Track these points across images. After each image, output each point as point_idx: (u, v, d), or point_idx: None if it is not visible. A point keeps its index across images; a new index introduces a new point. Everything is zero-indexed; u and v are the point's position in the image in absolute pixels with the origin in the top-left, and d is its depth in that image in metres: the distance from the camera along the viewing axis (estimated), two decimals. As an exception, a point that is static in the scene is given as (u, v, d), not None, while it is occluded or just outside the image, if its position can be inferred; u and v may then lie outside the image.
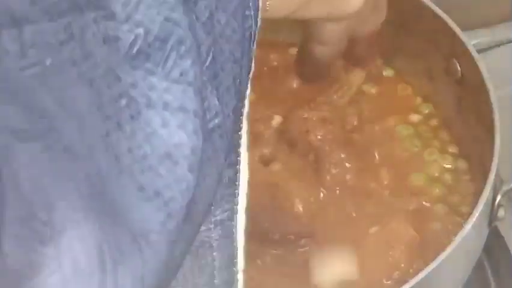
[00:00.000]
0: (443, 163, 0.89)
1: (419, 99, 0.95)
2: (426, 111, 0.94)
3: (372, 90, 0.97)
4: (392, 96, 0.96)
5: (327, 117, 0.92)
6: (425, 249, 0.81)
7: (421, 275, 0.72)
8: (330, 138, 0.89)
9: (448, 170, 0.89)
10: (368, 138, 0.91)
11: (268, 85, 0.97)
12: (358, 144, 0.90)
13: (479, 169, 0.84)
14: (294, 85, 0.97)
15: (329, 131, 0.90)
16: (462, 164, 0.89)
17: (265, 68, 0.99)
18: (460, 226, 0.77)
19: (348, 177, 0.87)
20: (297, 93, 0.96)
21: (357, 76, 0.97)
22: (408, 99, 0.96)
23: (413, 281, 0.72)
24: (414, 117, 0.94)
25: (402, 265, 0.81)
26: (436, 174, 0.88)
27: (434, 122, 0.93)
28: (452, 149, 0.91)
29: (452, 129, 0.92)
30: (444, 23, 0.90)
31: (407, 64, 0.97)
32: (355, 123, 0.92)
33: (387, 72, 0.98)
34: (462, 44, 0.88)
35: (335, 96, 0.95)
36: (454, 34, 0.89)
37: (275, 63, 1.00)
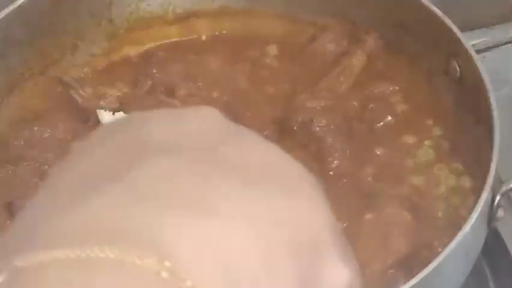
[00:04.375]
0: (442, 163, 0.89)
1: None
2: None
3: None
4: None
5: (330, 106, 0.91)
6: (423, 248, 0.81)
7: (420, 275, 0.72)
8: (332, 128, 0.88)
9: (446, 170, 0.89)
10: (370, 127, 0.91)
11: (269, 73, 0.97)
12: (360, 133, 0.90)
13: (478, 169, 0.84)
14: (295, 72, 0.96)
15: (331, 120, 0.89)
16: (461, 165, 0.89)
17: (266, 57, 0.99)
18: (459, 226, 0.77)
19: (349, 168, 0.86)
20: (298, 79, 0.95)
21: (358, 59, 0.96)
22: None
23: (413, 281, 0.71)
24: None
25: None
26: (435, 175, 0.88)
27: (432, 121, 0.93)
28: (451, 149, 0.90)
29: (451, 130, 0.92)
30: (444, 24, 0.89)
31: (406, 64, 0.96)
32: (357, 111, 0.91)
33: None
34: (461, 45, 0.88)
35: (337, 81, 0.94)
36: (453, 34, 0.89)
37: (275, 53, 1.00)
